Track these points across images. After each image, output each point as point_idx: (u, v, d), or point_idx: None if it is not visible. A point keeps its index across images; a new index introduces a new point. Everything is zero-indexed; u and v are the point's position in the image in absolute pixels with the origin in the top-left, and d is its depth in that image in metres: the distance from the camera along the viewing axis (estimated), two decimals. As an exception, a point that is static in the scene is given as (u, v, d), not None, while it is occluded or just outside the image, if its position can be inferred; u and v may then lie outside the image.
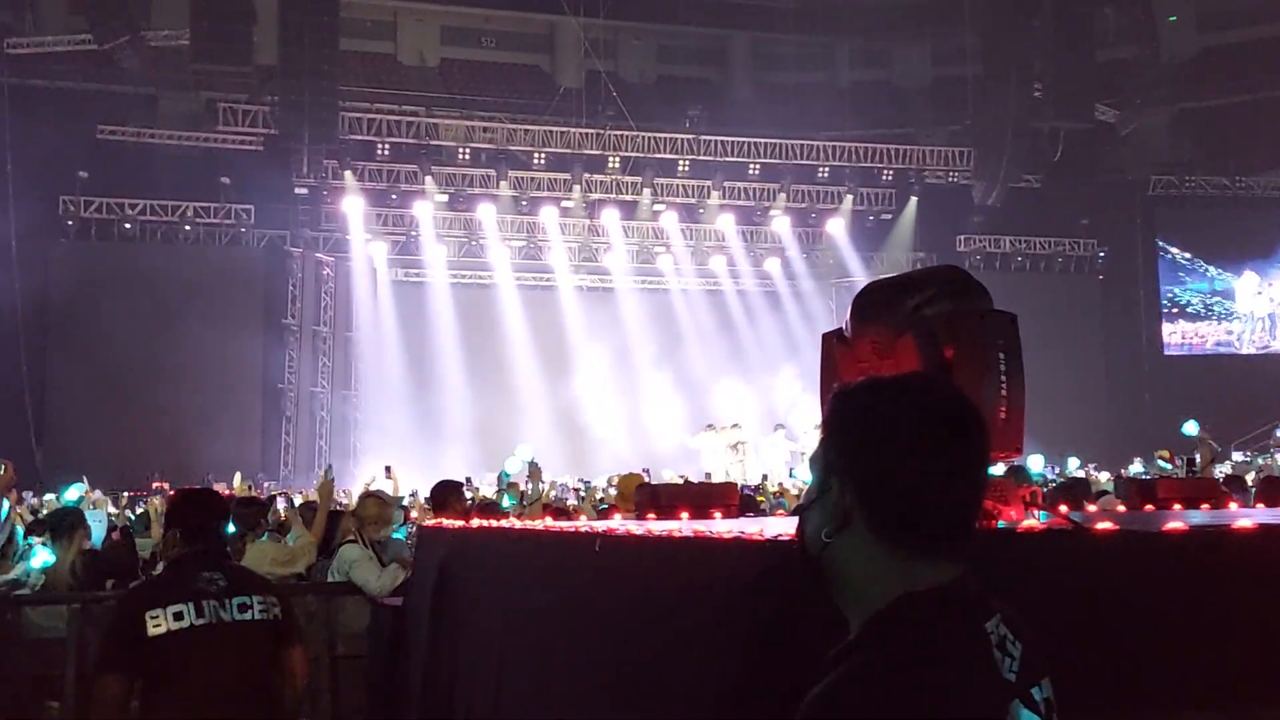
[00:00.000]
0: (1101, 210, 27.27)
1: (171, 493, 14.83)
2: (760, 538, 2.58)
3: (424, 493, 13.39)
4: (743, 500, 6.45)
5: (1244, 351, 27.72)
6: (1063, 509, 4.17)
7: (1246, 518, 3.14)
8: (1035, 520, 2.98)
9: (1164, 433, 21.65)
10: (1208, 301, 27.87)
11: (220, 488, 16.93)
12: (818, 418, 2.41)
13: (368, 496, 8.88)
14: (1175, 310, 27.95)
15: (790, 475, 18.82)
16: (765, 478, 19.40)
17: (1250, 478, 11.88)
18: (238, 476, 18.88)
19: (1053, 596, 2.34)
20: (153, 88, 23.41)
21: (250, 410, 23.22)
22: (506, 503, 12.93)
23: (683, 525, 3.59)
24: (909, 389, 1.78)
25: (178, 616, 4.29)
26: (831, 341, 3.11)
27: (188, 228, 23.81)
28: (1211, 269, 27.76)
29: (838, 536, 1.69)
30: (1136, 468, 19.30)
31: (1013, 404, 2.88)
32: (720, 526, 3.32)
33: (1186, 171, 27.38)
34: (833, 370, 3.04)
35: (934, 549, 1.67)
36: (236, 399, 22.85)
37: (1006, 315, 3.01)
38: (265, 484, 19.99)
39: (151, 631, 4.27)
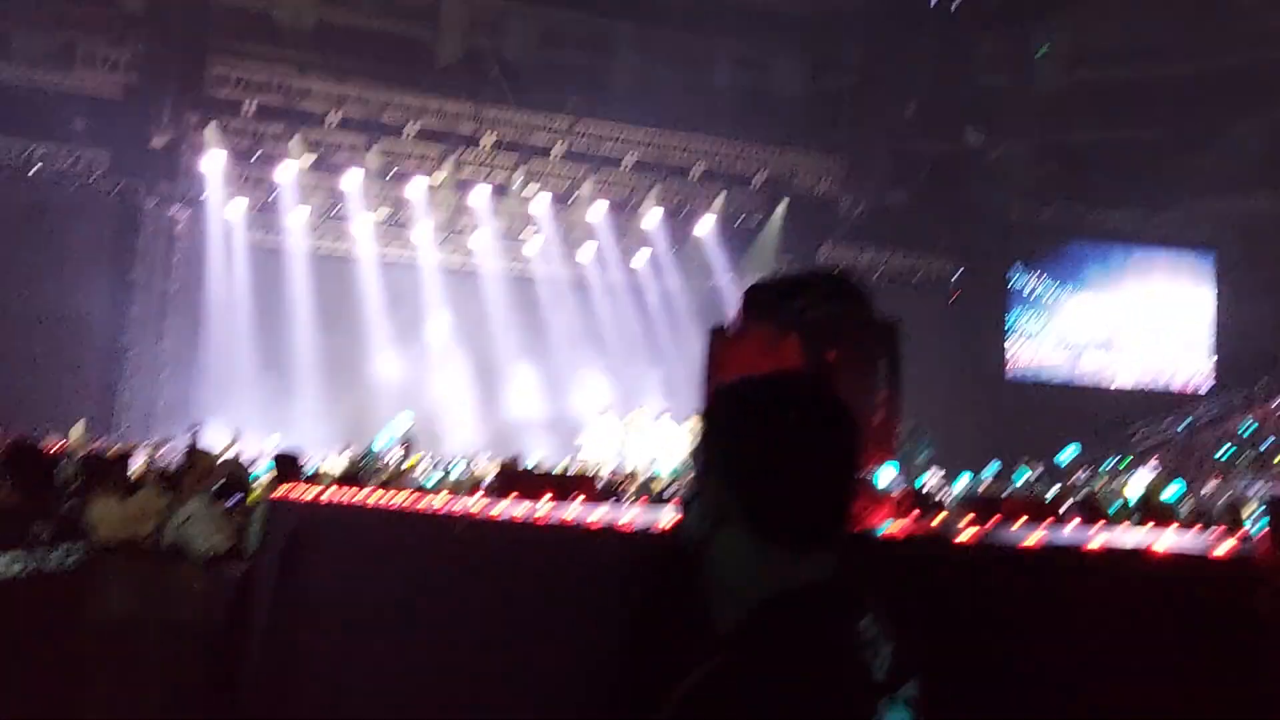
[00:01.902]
0: (962, 231, 27.99)
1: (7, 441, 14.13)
2: (629, 528, 2.56)
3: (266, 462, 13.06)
4: (605, 487, 6.46)
5: (1085, 381, 28.77)
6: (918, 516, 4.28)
7: (1096, 538, 3.26)
8: (897, 527, 3.04)
9: (1001, 453, 22.38)
10: (1053, 328, 28.85)
11: (56, 439, 16.24)
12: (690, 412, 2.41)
13: (192, 452, 8.73)
14: (1021, 334, 28.86)
15: (655, 473, 18.79)
16: (634, 471, 19.37)
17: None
18: (80, 426, 18.08)
19: (916, 600, 2.37)
20: (5, 22, 22.26)
21: (90, 363, 22.28)
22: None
23: (550, 512, 3.54)
24: (784, 388, 1.78)
25: (12, 563, 4.55)
26: (716, 337, 3.11)
27: (34, 170, 22.70)
28: (1060, 296, 28.74)
29: (714, 533, 1.68)
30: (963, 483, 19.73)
31: (890, 409, 2.93)
32: (590, 515, 3.29)
33: (1045, 201, 28.27)
34: (716, 366, 3.04)
35: (807, 547, 1.67)
36: (76, 350, 21.85)
37: (890, 322, 3.06)
38: (100, 439, 19.20)
39: None
